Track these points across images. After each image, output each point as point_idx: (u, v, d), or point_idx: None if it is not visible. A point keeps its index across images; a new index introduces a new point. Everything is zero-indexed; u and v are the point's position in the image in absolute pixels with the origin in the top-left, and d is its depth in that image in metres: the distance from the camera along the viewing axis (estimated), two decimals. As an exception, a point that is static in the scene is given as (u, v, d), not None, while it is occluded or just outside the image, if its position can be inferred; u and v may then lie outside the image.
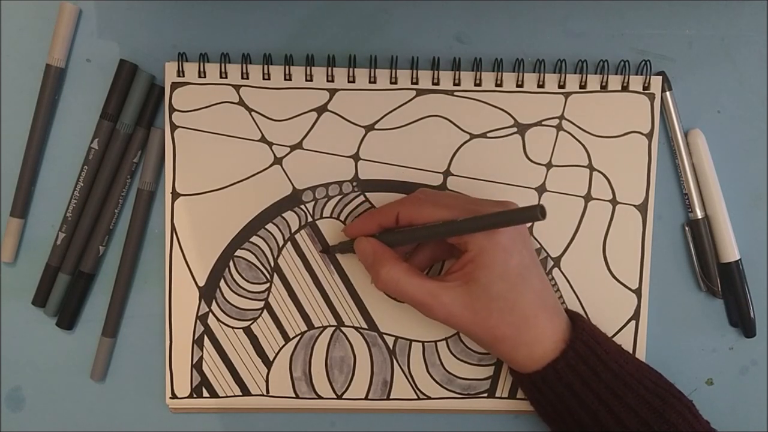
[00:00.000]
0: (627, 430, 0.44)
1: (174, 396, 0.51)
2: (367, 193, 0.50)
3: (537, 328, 0.44)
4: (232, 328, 0.50)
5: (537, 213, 0.39)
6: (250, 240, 0.50)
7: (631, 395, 0.44)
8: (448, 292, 0.44)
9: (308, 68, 0.49)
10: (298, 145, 0.50)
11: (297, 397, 0.51)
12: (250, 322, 0.51)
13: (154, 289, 0.51)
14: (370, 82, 0.50)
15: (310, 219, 0.50)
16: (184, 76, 0.49)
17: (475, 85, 0.50)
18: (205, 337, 0.50)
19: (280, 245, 0.50)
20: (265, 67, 0.49)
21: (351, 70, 0.49)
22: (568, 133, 0.50)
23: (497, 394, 0.51)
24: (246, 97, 0.50)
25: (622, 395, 0.44)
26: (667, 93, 0.51)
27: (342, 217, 0.50)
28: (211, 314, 0.50)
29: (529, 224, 0.50)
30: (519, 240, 0.44)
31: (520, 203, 0.50)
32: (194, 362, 0.50)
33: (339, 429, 0.52)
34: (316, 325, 0.51)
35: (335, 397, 0.51)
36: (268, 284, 0.50)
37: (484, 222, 0.43)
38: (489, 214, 0.42)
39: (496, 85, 0.50)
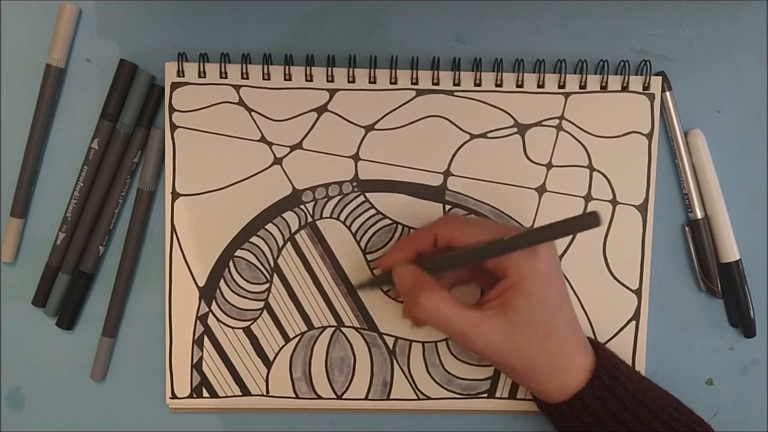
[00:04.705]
0: None
1: (174, 396, 0.51)
2: (367, 194, 0.50)
3: (572, 357, 0.45)
4: (232, 328, 0.50)
5: (597, 219, 0.38)
6: (250, 240, 0.50)
7: (656, 422, 0.44)
8: (487, 322, 0.43)
9: (308, 68, 0.49)
10: (298, 145, 0.50)
11: (297, 397, 0.51)
12: (250, 322, 0.51)
13: (154, 289, 0.51)
14: (370, 82, 0.50)
15: (310, 219, 0.50)
16: (184, 76, 0.49)
17: (475, 85, 0.50)
18: (205, 337, 0.50)
19: (280, 245, 0.50)
20: (265, 67, 0.49)
21: (351, 70, 0.49)
22: (568, 133, 0.50)
23: (497, 395, 0.51)
24: (246, 97, 0.50)
25: (648, 422, 0.44)
26: (667, 93, 0.51)
27: (342, 218, 0.50)
28: (211, 314, 0.50)
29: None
30: (556, 268, 0.44)
31: (520, 203, 0.50)
32: (194, 362, 0.51)
33: (339, 429, 0.52)
34: (316, 326, 0.51)
35: (335, 397, 0.51)
36: (268, 284, 0.50)
37: (539, 235, 0.42)
38: (543, 227, 0.42)
39: (496, 85, 0.50)
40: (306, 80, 0.49)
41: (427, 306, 0.43)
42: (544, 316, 0.43)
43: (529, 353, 0.44)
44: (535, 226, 0.49)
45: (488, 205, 0.50)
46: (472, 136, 0.50)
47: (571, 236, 0.43)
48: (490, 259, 0.43)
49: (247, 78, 0.49)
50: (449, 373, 0.51)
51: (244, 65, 0.49)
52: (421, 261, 0.46)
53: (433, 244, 0.45)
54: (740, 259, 0.51)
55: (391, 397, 0.51)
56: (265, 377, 0.51)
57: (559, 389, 0.45)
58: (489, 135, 0.50)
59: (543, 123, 0.50)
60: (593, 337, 0.51)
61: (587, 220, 0.39)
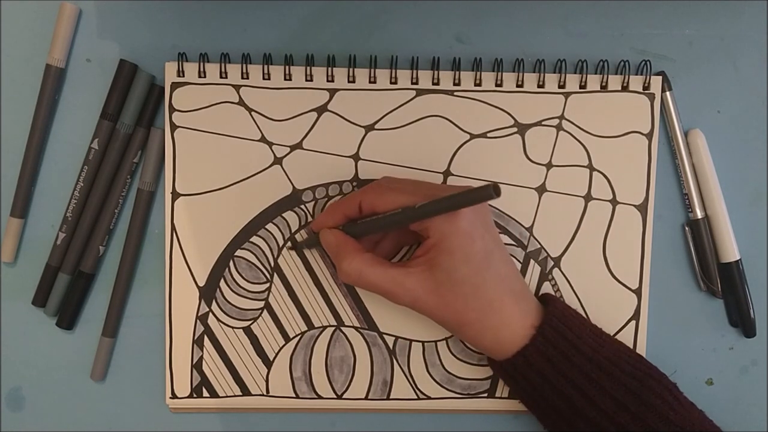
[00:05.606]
0: (603, 413, 0.43)
1: (174, 396, 0.51)
2: (367, 193, 0.50)
3: (503, 312, 0.44)
4: (232, 328, 0.50)
5: (491, 192, 0.39)
6: (250, 240, 0.50)
7: (605, 378, 0.44)
8: (412, 278, 0.44)
9: (308, 68, 0.49)
10: (298, 145, 0.50)
11: (297, 397, 0.51)
12: (250, 322, 0.51)
13: (154, 289, 0.51)
14: (370, 82, 0.50)
15: (310, 219, 0.50)
16: (184, 76, 0.49)
17: (475, 85, 0.50)
18: (205, 337, 0.50)
19: (280, 245, 0.50)
20: (265, 67, 0.49)
21: (351, 70, 0.49)
22: (568, 133, 0.50)
23: (497, 394, 0.51)
24: (246, 97, 0.50)
25: (596, 378, 0.44)
26: (667, 93, 0.51)
27: (342, 217, 0.50)
28: (211, 314, 0.50)
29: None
30: (480, 224, 0.44)
31: (520, 203, 0.50)
32: (194, 362, 0.50)
33: (339, 429, 0.52)
34: (316, 325, 0.51)
35: (335, 397, 0.51)
36: (268, 284, 0.50)
37: (440, 206, 0.42)
38: (443, 198, 0.42)
39: (496, 85, 0.50)
40: (306, 80, 0.49)
41: (350, 271, 0.45)
42: (469, 272, 0.44)
43: (456, 308, 0.44)
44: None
45: (488, 204, 0.50)
46: (472, 136, 0.50)
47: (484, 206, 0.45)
48: (404, 224, 0.45)
49: (247, 78, 0.49)
50: (449, 372, 0.51)
51: (244, 65, 0.49)
52: (346, 226, 0.47)
53: (360, 210, 0.46)
54: (740, 259, 0.51)
55: (391, 397, 0.51)
56: (265, 377, 0.51)
57: (495, 345, 0.45)
58: (489, 135, 0.50)
59: (543, 123, 0.50)
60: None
61: (486, 192, 0.40)
